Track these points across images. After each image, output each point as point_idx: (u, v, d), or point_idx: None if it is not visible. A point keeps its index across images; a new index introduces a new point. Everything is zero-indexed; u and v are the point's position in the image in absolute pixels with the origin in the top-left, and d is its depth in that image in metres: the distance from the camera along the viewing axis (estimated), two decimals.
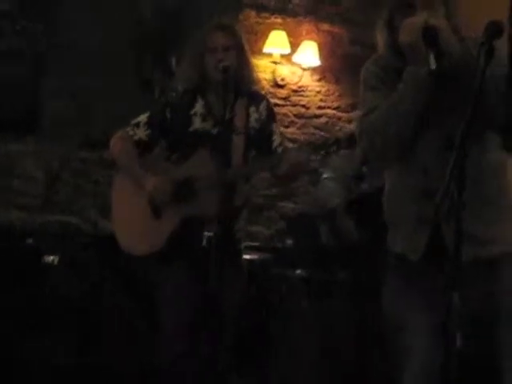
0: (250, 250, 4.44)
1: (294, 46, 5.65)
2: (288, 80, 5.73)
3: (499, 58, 2.05)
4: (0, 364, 3.92)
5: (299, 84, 5.75)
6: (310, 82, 5.79)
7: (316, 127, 5.81)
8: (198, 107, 3.26)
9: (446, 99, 2.30)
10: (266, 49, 5.58)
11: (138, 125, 3.31)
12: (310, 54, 5.66)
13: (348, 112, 5.84)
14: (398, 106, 2.31)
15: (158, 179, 3.16)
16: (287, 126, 5.66)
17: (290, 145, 5.25)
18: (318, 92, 5.82)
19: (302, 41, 5.69)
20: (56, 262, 4.18)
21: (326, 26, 5.82)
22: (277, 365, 4.24)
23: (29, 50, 5.27)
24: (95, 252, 4.26)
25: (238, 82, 3.22)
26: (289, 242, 5.14)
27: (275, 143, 3.30)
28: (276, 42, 5.58)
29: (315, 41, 5.70)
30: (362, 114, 2.44)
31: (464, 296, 1.90)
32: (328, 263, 4.43)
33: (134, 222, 3.26)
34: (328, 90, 5.84)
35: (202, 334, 3.04)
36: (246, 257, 4.05)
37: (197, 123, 3.24)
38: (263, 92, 3.71)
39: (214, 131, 3.21)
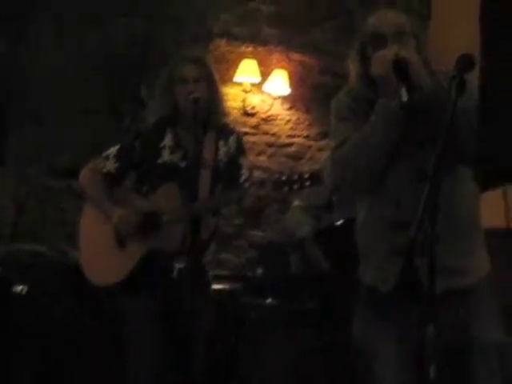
0: (220, 279, 4.41)
1: (265, 74, 5.66)
2: (258, 109, 5.73)
3: (470, 91, 2.07)
4: None
5: (269, 113, 5.76)
6: (280, 110, 5.80)
7: (286, 156, 5.81)
8: (168, 140, 3.27)
9: (417, 132, 2.31)
10: (237, 77, 5.59)
11: (107, 157, 3.32)
12: (280, 82, 5.67)
13: (318, 141, 5.85)
14: (369, 138, 2.32)
15: (123, 211, 3.18)
16: (257, 155, 5.66)
17: (260, 173, 5.26)
18: (288, 121, 5.83)
19: (272, 69, 5.70)
20: (25, 291, 4.13)
21: (296, 56, 5.84)
22: None
23: None
24: (64, 281, 4.20)
25: (208, 115, 3.23)
26: (259, 270, 5.12)
27: (243, 177, 3.30)
28: (247, 70, 5.59)
29: (286, 70, 5.72)
30: (334, 145, 2.44)
31: (437, 327, 1.90)
32: (298, 292, 4.42)
33: (99, 253, 3.26)
34: (298, 119, 5.85)
35: (172, 367, 3.03)
36: (216, 286, 4.02)
37: (165, 156, 3.25)
38: (233, 123, 3.70)
39: (182, 164, 3.22)
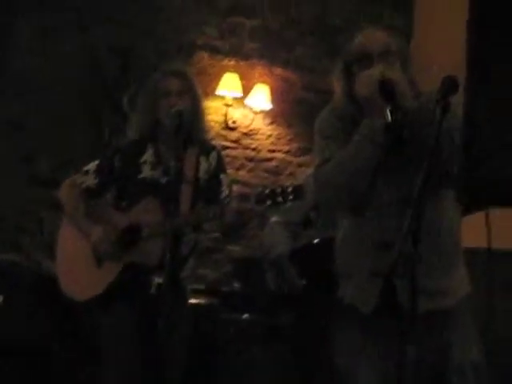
0: (197, 293, 4.39)
1: (247, 88, 5.66)
2: (239, 123, 5.73)
3: (455, 111, 2.06)
4: None
5: (250, 127, 5.75)
6: (261, 125, 5.79)
7: (266, 171, 5.80)
8: (148, 155, 3.25)
9: (401, 152, 2.31)
10: (219, 91, 5.58)
11: (87, 172, 3.29)
12: (262, 97, 5.67)
13: (298, 156, 5.86)
14: (352, 158, 2.31)
15: (101, 231, 3.15)
16: (237, 169, 5.65)
17: (240, 187, 5.25)
18: (269, 136, 5.82)
19: (254, 84, 5.70)
20: (0, 301, 4.09)
21: (279, 71, 5.85)
22: None
23: None
24: (39, 292, 4.16)
25: (190, 130, 3.21)
26: (236, 285, 5.10)
27: (223, 194, 3.29)
28: (229, 84, 5.58)
29: (268, 84, 5.72)
30: (317, 164, 2.43)
31: (417, 348, 1.90)
32: (274, 308, 4.41)
33: (78, 269, 3.22)
34: (279, 134, 5.85)
35: (148, 380, 3.01)
36: (193, 301, 4.00)
37: (146, 171, 3.23)
38: (214, 137, 3.70)
39: (163, 180, 3.20)
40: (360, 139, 2.29)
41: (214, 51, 5.73)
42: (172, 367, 3.02)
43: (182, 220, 3.05)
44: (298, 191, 2.85)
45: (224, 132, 5.66)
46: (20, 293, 4.18)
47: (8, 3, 5.27)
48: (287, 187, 2.92)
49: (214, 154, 3.33)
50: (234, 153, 5.67)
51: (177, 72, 3.27)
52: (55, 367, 4.12)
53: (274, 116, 5.81)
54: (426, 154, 1.92)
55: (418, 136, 2.18)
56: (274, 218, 4.22)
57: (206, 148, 3.33)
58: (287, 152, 5.86)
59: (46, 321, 4.15)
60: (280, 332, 4.33)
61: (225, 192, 3.30)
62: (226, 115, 5.66)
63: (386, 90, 2.20)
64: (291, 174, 5.82)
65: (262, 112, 5.76)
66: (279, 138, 5.85)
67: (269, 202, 2.91)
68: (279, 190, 2.88)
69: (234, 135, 5.71)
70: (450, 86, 2.03)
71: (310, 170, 4.32)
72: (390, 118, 2.16)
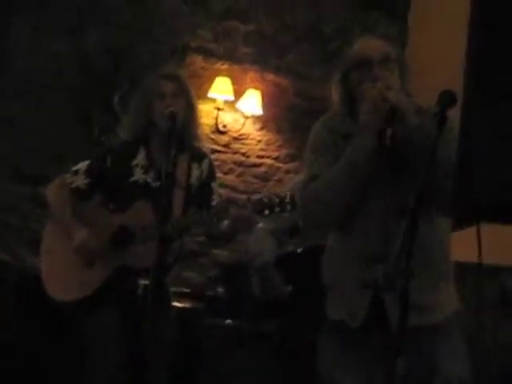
0: (180, 296, 4.37)
1: (238, 93, 5.64)
2: (230, 127, 5.71)
3: (451, 125, 2.05)
4: None
5: (241, 132, 5.73)
6: (251, 130, 5.77)
7: (255, 176, 5.78)
8: (140, 158, 3.24)
9: (392, 168, 2.31)
10: (211, 94, 5.56)
11: (76, 172, 3.27)
12: (253, 102, 5.65)
13: (287, 163, 5.84)
14: (342, 175, 2.30)
15: (86, 233, 3.13)
16: (226, 173, 5.63)
17: (227, 192, 5.23)
18: (259, 141, 5.81)
19: (246, 88, 5.68)
20: None
21: (271, 76, 5.84)
22: None
23: None
24: (23, 290, 4.13)
25: (183, 135, 3.19)
26: (220, 290, 5.08)
27: (214, 202, 3.30)
28: (220, 88, 5.57)
29: (259, 90, 5.71)
30: (304, 180, 2.44)
31: (407, 361, 1.88)
32: (258, 314, 4.40)
33: (63, 268, 3.20)
34: (269, 140, 5.83)
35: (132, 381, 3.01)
36: (178, 304, 3.98)
37: (137, 174, 3.22)
38: (204, 140, 3.68)
39: (155, 184, 3.18)
40: (351, 155, 2.28)
41: (208, 54, 5.70)
42: (157, 369, 3.02)
43: (174, 224, 3.03)
44: (295, 201, 2.84)
45: (214, 136, 5.64)
46: (5, 291, 4.15)
47: (6, 2, 5.24)
48: (284, 197, 2.91)
49: (206, 162, 3.33)
50: (223, 157, 5.65)
51: (171, 76, 3.28)
52: (40, 367, 4.08)
53: (264, 121, 5.80)
54: (422, 170, 1.90)
55: (410, 154, 2.18)
56: (260, 225, 4.21)
57: (198, 155, 3.33)
58: (276, 158, 5.85)
59: (30, 319, 4.12)
60: (264, 338, 4.32)
61: (215, 200, 3.31)
62: (216, 119, 5.64)
63: (391, 117, 2.20)
64: (279, 180, 5.80)
65: (252, 117, 5.74)
66: (269, 144, 5.84)
67: (266, 212, 2.91)
68: (277, 199, 2.87)
69: (223, 139, 5.69)
70: (447, 100, 2.02)
71: (298, 177, 4.34)
72: (388, 140, 2.17)
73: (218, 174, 3.66)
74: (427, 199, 1.89)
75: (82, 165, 3.27)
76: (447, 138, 1.96)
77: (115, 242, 3.11)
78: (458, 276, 2.44)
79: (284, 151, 5.85)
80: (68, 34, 5.37)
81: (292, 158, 5.83)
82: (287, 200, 2.88)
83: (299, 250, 4.04)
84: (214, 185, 3.35)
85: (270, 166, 5.83)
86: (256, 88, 5.71)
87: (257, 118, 5.77)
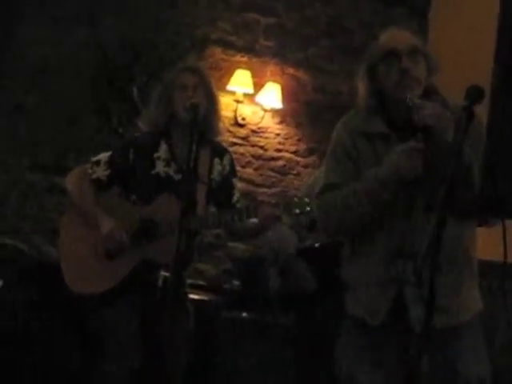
0: (196, 288, 4.36)
1: (258, 86, 5.62)
2: (249, 120, 5.69)
3: (479, 121, 2.03)
4: None
5: (260, 125, 5.71)
6: (270, 123, 5.75)
7: (272, 170, 5.76)
8: (162, 152, 3.22)
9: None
10: (230, 86, 5.54)
11: (98, 163, 3.24)
12: (273, 95, 5.63)
13: (305, 157, 5.82)
14: (370, 191, 2.30)
15: (113, 222, 3.11)
16: (244, 166, 5.60)
17: (244, 185, 5.21)
18: (278, 135, 5.78)
19: (266, 82, 5.66)
20: (0, 286, 4.06)
21: (291, 70, 5.81)
22: None
23: None
24: (39, 278, 4.13)
25: (204, 128, 3.17)
26: (235, 283, 5.07)
27: (235, 198, 3.30)
28: (240, 81, 5.55)
29: (279, 83, 5.68)
30: (321, 187, 2.42)
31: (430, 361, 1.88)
32: (273, 307, 4.40)
33: (84, 260, 3.17)
34: (287, 134, 5.81)
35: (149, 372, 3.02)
36: (194, 296, 3.97)
37: (159, 167, 3.20)
38: (222, 132, 3.66)
39: (177, 177, 3.17)
40: (382, 177, 2.27)
41: (228, 46, 5.69)
42: (173, 361, 3.02)
43: (200, 219, 3.02)
44: None
45: (233, 128, 5.62)
46: (20, 281, 4.15)
47: None
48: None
49: (227, 158, 3.33)
50: (241, 150, 5.63)
51: (192, 68, 3.27)
52: (55, 355, 4.08)
53: (283, 115, 5.77)
54: (450, 165, 1.87)
55: (442, 148, 2.15)
56: None
57: (219, 150, 3.32)
58: (294, 152, 5.82)
59: (46, 308, 4.12)
60: (280, 331, 4.31)
61: (236, 196, 3.31)
62: (235, 111, 5.63)
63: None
64: (297, 174, 5.78)
65: (271, 110, 5.72)
66: (287, 138, 5.81)
67: (296, 211, 2.91)
68: (307, 200, 2.87)
69: (242, 132, 5.67)
70: (475, 94, 1.98)
71: (316, 172, 4.33)
72: (420, 144, 2.17)
73: (236, 167, 3.65)
74: (454, 195, 1.86)
75: (103, 156, 3.25)
76: (474, 134, 1.94)
77: (140, 235, 3.09)
78: (481, 274, 2.41)
79: (302, 145, 5.83)
80: (86, 24, 5.37)
81: (310, 152, 5.81)
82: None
83: (317, 245, 4.02)
84: (235, 180, 3.34)
85: (289, 159, 5.81)
86: (276, 81, 5.69)
87: (276, 112, 5.74)
